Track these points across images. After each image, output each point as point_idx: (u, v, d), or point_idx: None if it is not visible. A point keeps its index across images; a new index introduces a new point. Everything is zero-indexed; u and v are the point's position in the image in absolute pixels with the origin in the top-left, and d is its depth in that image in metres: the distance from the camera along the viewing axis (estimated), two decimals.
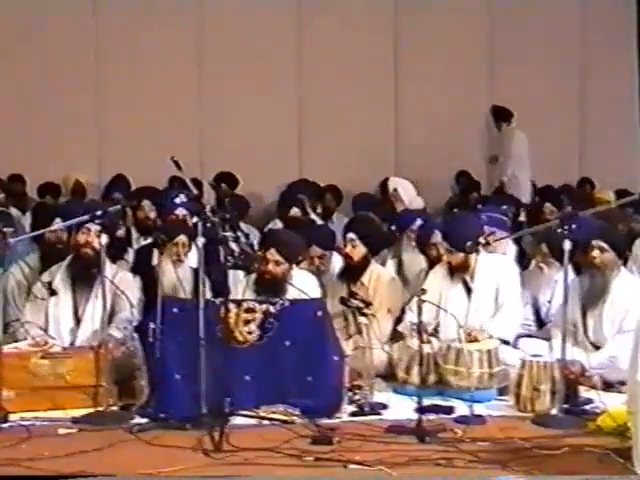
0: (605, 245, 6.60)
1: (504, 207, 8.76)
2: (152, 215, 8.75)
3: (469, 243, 6.55)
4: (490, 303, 6.74)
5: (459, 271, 6.78)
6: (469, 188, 11.80)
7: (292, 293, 6.43)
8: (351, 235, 7.12)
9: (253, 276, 6.81)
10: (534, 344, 6.68)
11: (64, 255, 6.75)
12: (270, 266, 6.63)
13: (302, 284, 6.54)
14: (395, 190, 10.13)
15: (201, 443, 5.26)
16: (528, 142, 11.79)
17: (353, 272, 7.08)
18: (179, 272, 6.83)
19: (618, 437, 5.16)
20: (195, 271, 6.81)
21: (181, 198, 7.28)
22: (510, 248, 7.78)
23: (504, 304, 6.75)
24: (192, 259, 7.03)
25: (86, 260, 6.52)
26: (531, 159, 11.93)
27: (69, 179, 11.05)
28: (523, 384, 5.95)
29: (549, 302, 7.12)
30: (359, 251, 7.10)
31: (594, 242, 6.61)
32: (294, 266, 6.84)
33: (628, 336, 5.50)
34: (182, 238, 7.05)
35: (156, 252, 7.29)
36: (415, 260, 7.59)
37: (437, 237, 7.19)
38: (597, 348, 6.55)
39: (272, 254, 6.65)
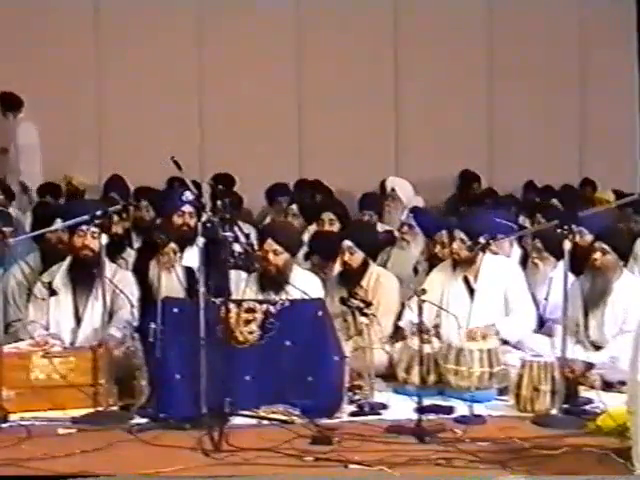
0: (607, 247, 6.59)
1: (511, 212, 8.66)
2: (149, 216, 8.72)
3: (485, 235, 6.53)
4: (493, 304, 6.74)
5: (463, 266, 6.77)
6: (469, 180, 11.76)
7: (294, 293, 6.41)
8: (348, 243, 7.05)
9: (255, 274, 6.80)
10: (537, 340, 6.69)
11: (64, 255, 6.75)
12: (270, 256, 6.62)
13: (304, 284, 6.53)
14: (393, 190, 10.10)
15: (201, 443, 5.26)
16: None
17: (352, 278, 7.03)
18: (178, 271, 6.84)
19: (618, 437, 5.15)
20: (188, 270, 6.81)
21: (187, 196, 7.25)
22: (514, 251, 7.74)
23: (516, 308, 6.75)
24: (191, 258, 7.01)
25: (86, 262, 6.51)
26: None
27: (69, 179, 11.03)
28: (523, 384, 5.95)
29: (545, 299, 7.11)
30: (357, 258, 7.04)
31: (596, 244, 6.60)
32: (296, 266, 6.84)
33: (629, 337, 5.50)
34: (172, 245, 7.01)
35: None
36: None
37: (443, 235, 7.29)
38: (597, 348, 6.56)
39: (270, 244, 6.66)
